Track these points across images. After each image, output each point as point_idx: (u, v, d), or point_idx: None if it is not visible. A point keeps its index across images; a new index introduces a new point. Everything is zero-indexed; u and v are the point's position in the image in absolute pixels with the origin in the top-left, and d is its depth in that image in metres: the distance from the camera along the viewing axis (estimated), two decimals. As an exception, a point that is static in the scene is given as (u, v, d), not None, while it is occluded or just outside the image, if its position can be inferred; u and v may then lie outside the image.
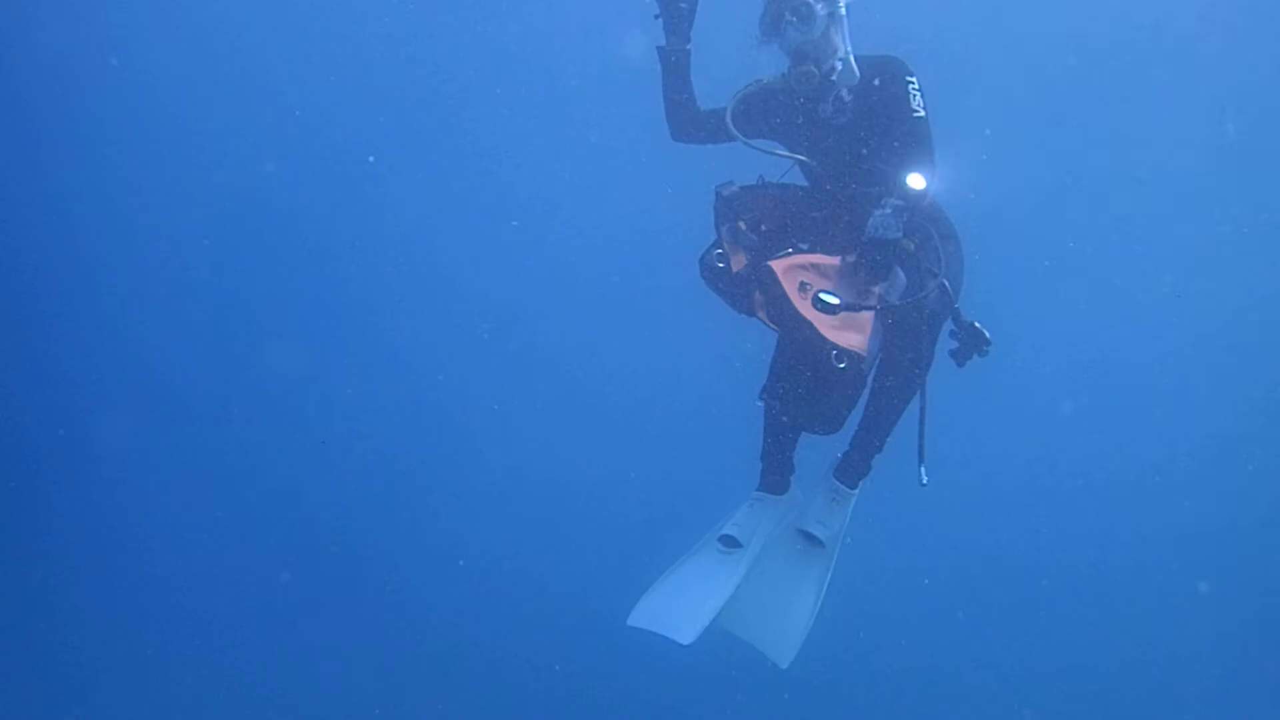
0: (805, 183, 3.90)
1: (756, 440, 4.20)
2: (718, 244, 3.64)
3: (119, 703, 8.67)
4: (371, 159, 10.61)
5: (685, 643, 3.82)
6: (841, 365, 3.38)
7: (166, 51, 10.51)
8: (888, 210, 3.36)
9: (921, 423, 3.71)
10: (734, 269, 3.54)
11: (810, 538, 4.06)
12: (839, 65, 3.62)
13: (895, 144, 3.60)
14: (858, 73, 3.63)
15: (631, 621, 4.07)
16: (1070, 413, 9.81)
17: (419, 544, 9.98)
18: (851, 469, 4.07)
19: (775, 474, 4.10)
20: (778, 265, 3.41)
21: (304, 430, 10.49)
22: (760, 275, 3.46)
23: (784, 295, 3.36)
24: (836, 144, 3.73)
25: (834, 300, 3.35)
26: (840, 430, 3.84)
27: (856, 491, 4.12)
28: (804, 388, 3.62)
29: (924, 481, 3.71)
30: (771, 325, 3.60)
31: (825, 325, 3.37)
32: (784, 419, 3.91)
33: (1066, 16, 9.11)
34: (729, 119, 3.71)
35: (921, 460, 3.73)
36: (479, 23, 10.35)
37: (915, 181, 3.40)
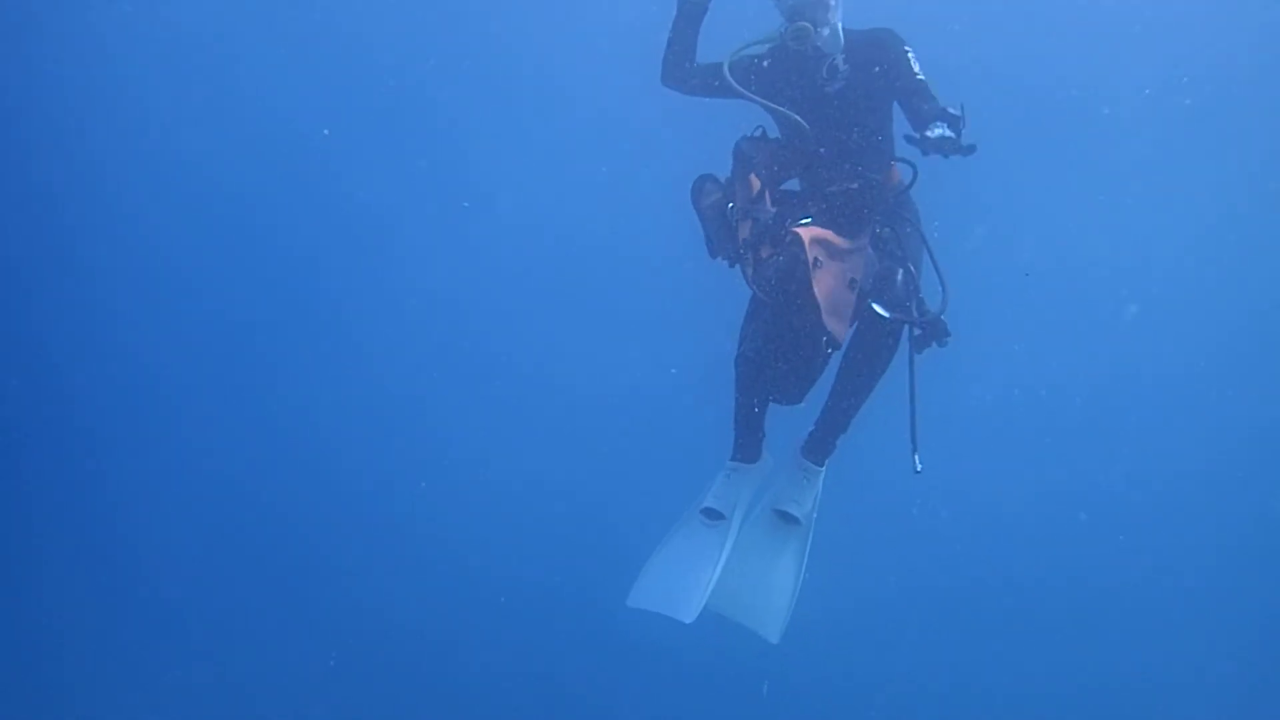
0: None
1: (724, 414, 4.32)
2: (714, 184, 3.80)
3: (110, 702, 8.75)
4: (326, 131, 10.31)
5: (688, 621, 3.97)
6: (829, 350, 3.64)
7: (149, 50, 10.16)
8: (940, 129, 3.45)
9: (912, 412, 3.88)
10: (740, 234, 3.69)
11: (786, 516, 4.29)
12: (826, 31, 3.83)
13: (910, 105, 3.83)
14: (842, 39, 3.89)
15: (631, 603, 4.22)
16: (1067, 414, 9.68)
17: (401, 539, 10.04)
18: (818, 448, 4.31)
19: (748, 443, 4.26)
20: (804, 233, 3.56)
21: (287, 430, 10.41)
22: (786, 240, 3.60)
23: (805, 268, 3.52)
24: (830, 110, 3.90)
25: (884, 313, 3.68)
26: (801, 402, 4.08)
27: (824, 468, 4.35)
28: (780, 358, 3.84)
29: (918, 469, 3.85)
30: (752, 283, 3.71)
31: (825, 310, 3.57)
32: (751, 383, 4.07)
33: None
34: (726, 69, 3.85)
35: (915, 448, 3.88)
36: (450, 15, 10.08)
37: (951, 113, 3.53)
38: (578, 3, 9.65)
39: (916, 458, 3.87)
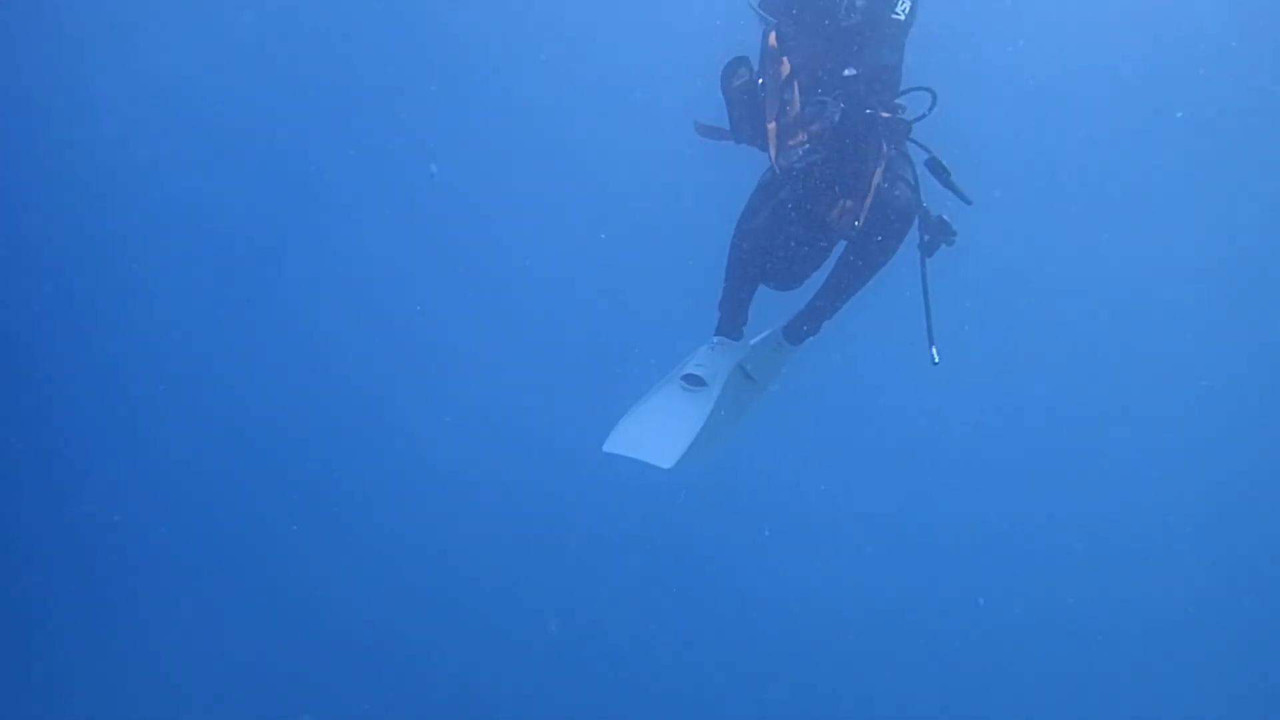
0: None
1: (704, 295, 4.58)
2: (746, 67, 3.92)
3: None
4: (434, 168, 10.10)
5: (666, 466, 4.10)
6: (842, 234, 3.87)
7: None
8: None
9: (926, 306, 4.09)
10: (768, 113, 3.81)
11: (748, 376, 4.56)
12: None
13: (874, 39, 3.95)
14: None
15: (608, 448, 4.29)
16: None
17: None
18: (801, 329, 4.58)
19: (734, 321, 4.46)
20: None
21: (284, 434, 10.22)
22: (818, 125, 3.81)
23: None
24: (846, 43, 4.01)
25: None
26: (798, 287, 4.39)
27: (799, 348, 4.66)
28: (790, 239, 4.05)
29: (935, 361, 4.03)
30: (777, 162, 3.84)
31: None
32: (749, 261, 4.28)
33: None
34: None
35: (931, 341, 4.07)
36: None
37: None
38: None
39: (934, 350, 4.06)
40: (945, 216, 4.15)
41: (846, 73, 3.88)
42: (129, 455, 10.07)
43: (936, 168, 3.99)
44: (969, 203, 3.99)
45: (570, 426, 8.27)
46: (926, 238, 4.20)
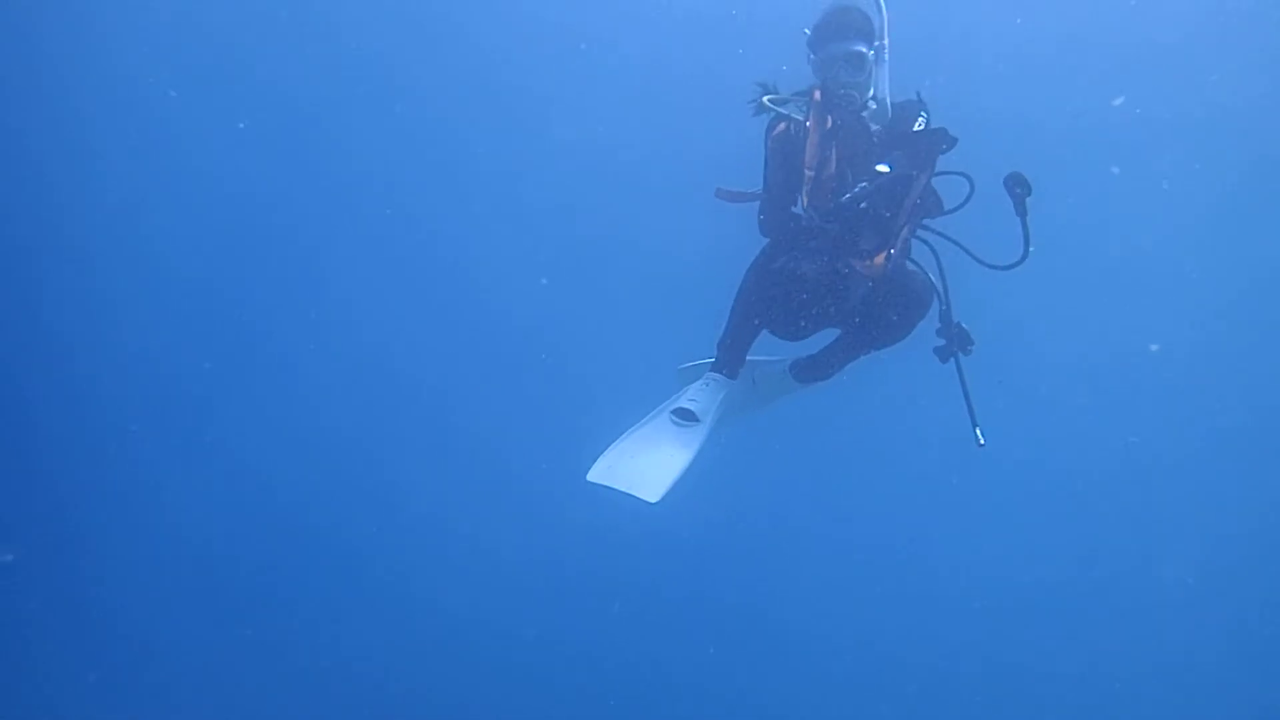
0: None
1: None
2: (787, 120, 4.01)
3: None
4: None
5: (651, 500, 3.94)
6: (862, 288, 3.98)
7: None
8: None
9: (965, 391, 4.10)
10: (807, 154, 3.87)
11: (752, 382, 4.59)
12: (873, 105, 4.09)
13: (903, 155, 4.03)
14: (890, 113, 4.09)
15: (592, 478, 4.13)
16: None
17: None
18: (807, 373, 4.54)
19: (733, 360, 4.36)
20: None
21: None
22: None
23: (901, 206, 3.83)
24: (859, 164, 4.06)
25: None
26: (800, 340, 4.31)
27: (806, 387, 4.63)
28: (810, 289, 4.00)
29: (981, 443, 4.03)
30: (813, 211, 3.88)
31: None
32: (760, 313, 4.20)
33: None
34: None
35: (975, 424, 4.08)
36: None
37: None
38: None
39: (978, 431, 4.06)
40: (965, 326, 4.13)
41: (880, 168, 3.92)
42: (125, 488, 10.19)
43: (1018, 183, 3.68)
44: (1028, 250, 3.76)
45: (558, 460, 8.29)
46: (942, 343, 4.18)
